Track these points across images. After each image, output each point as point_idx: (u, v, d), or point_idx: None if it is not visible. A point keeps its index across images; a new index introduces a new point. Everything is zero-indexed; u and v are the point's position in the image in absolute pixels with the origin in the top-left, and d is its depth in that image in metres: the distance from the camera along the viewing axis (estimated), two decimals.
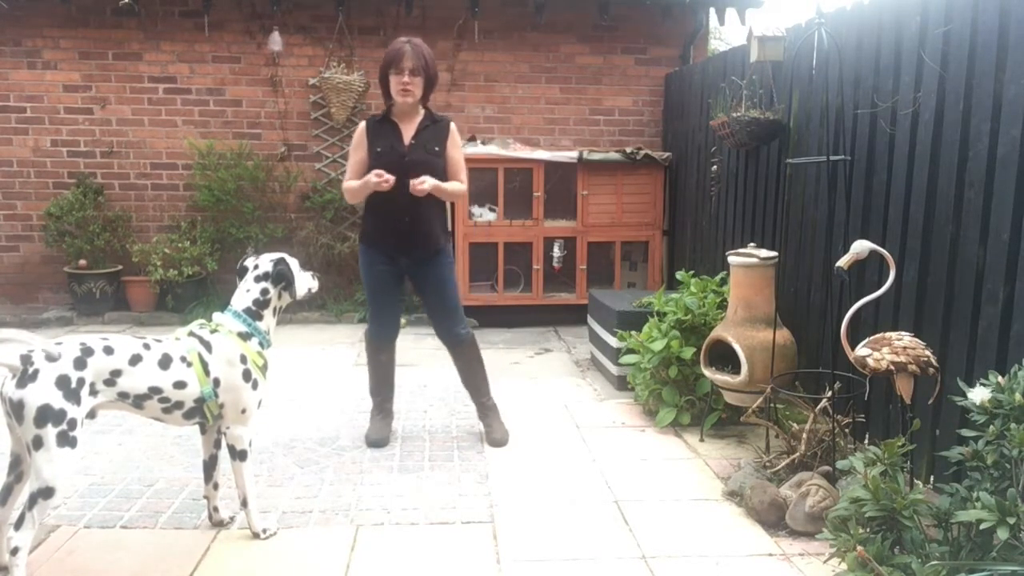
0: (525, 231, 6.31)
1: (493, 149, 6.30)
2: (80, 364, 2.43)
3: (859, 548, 2.05)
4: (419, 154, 3.56)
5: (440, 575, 2.64)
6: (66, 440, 2.37)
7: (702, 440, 3.88)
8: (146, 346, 2.61)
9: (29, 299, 6.76)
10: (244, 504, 2.85)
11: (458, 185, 3.64)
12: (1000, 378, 2.20)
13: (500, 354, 5.60)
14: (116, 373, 2.51)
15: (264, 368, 2.82)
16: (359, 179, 3.55)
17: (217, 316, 2.85)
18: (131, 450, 3.69)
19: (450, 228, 3.91)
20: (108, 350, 2.51)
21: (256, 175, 6.55)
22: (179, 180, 6.73)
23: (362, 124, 3.67)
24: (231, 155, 6.50)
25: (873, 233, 3.44)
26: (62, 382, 2.37)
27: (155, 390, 2.58)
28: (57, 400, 2.35)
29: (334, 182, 6.74)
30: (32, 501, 2.36)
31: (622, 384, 4.60)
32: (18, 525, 2.35)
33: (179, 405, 2.65)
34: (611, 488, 3.33)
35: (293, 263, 2.98)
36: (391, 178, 3.40)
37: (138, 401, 2.58)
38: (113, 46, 6.54)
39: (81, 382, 2.41)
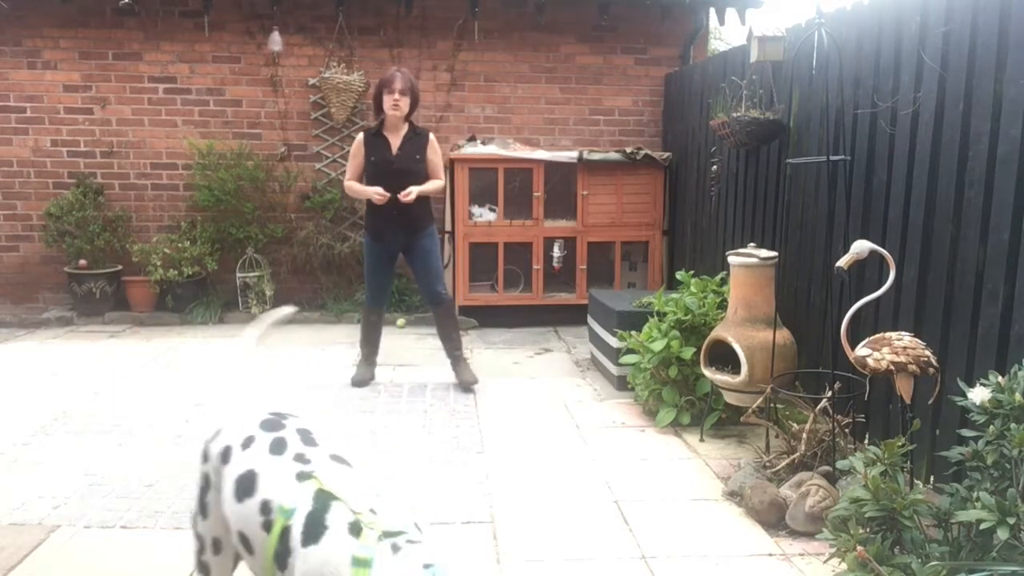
0: (525, 231, 6.31)
1: (493, 149, 6.30)
2: (204, 455, 1.90)
3: (859, 548, 2.04)
4: (404, 162, 4.46)
5: None
6: None
7: (702, 440, 3.88)
8: (247, 441, 1.77)
9: (29, 299, 6.75)
10: None
11: (437, 183, 4.59)
12: (1000, 378, 2.20)
13: (500, 354, 5.60)
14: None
15: None
16: (358, 181, 4.55)
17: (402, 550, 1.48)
18: (131, 450, 3.69)
19: (432, 216, 4.75)
20: (214, 434, 1.88)
21: (256, 175, 6.54)
22: (179, 180, 6.73)
23: (360, 136, 4.57)
24: (231, 155, 6.49)
25: (873, 233, 3.44)
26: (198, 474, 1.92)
27: (225, 523, 1.77)
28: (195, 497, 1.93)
29: (334, 182, 6.74)
30: None
31: (622, 384, 4.60)
32: None
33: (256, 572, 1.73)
34: (611, 488, 3.33)
35: None
36: (386, 195, 4.37)
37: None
38: (113, 46, 6.53)
39: (204, 480, 1.89)
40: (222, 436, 1.82)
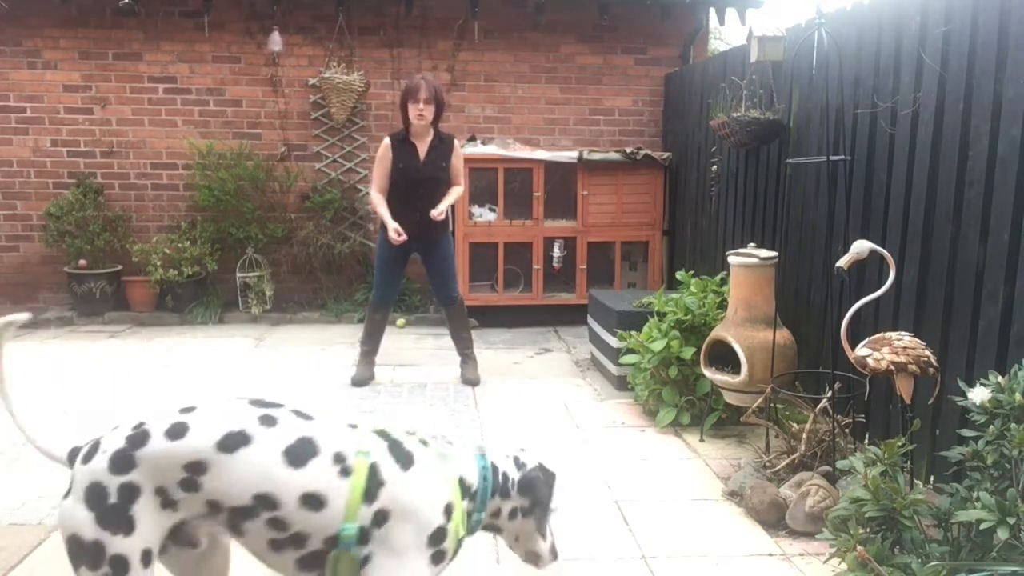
0: (525, 231, 6.31)
1: (493, 149, 6.30)
2: (125, 463, 1.65)
3: (859, 548, 2.04)
4: (431, 170, 4.53)
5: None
6: None
7: (702, 440, 3.88)
8: (266, 420, 1.73)
9: (29, 299, 6.75)
10: None
11: (458, 191, 4.69)
12: (1000, 378, 2.20)
13: (500, 354, 5.60)
14: (197, 468, 1.66)
15: (457, 546, 1.85)
16: (384, 187, 4.55)
17: (454, 449, 1.96)
18: None
19: (450, 223, 4.90)
20: (177, 431, 1.67)
21: (256, 175, 6.54)
22: (179, 180, 6.73)
23: (387, 140, 4.57)
24: (231, 155, 6.50)
25: (873, 233, 3.44)
26: (93, 494, 1.64)
27: (265, 501, 1.67)
28: (87, 527, 1.63)
29: (334, 182, 6.74)
30: None
31: (622, 384, 4.60)
32: None
33: (298, 540, 1.70)
34: (611, 488, 3.33)
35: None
36: (404, 237, 4.42)
37: (235, 520, 1.69)
38: (113, 46, 6.54)
39: (129, 491, 1.65)
40: (192, 435, 1.66)
